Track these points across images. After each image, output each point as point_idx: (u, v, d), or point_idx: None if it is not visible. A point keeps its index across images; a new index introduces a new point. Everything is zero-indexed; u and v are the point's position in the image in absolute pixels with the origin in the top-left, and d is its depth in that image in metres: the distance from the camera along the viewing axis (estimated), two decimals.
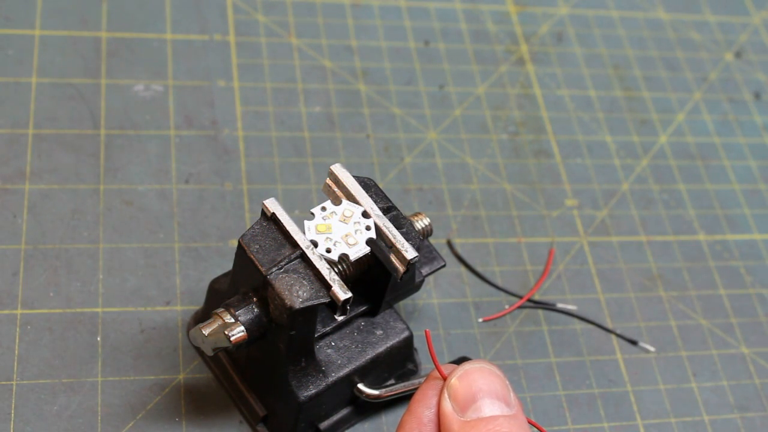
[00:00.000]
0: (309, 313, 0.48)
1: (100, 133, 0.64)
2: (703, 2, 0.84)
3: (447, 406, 0.43)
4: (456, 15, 0.77)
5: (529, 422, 0.45)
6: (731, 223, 0.70)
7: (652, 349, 0.63)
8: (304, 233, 0.49)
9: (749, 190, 0.72)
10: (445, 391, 0.44)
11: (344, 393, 0.54)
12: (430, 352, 0.45)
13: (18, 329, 0.56)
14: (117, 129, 0.65)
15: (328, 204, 0.50)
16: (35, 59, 0.66)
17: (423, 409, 0.44)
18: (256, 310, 0.49)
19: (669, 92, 0.77)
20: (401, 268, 0.50)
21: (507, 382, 0.44)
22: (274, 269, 0.48)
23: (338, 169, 0.51)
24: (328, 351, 0.53)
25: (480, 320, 0.62)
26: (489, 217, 0.66)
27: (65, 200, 0.61)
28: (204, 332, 0.49)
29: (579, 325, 0.63)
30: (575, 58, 0.77)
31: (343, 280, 0.50)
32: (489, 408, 0.43)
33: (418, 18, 0.76)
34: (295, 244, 0.48)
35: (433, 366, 0.45)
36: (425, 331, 0.46)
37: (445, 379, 0.44)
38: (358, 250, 0.48)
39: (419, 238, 0.52)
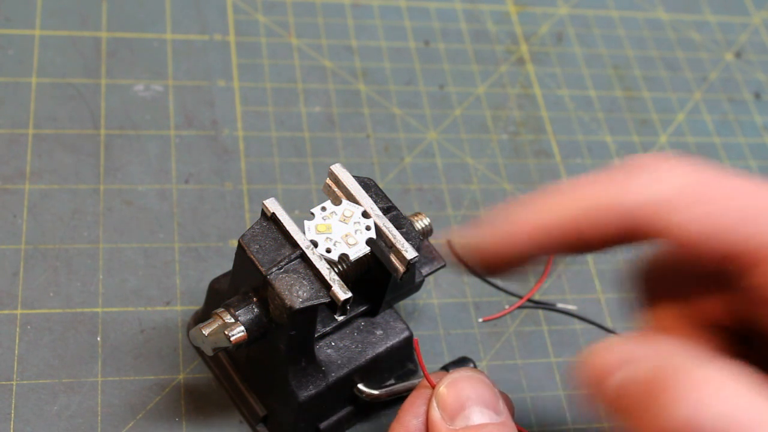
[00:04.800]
0: (309, 313, 0.48)
1: (100, 133, 0.64)
2: (703, 2, 0.84)
3: (435, 414, 0.43)
4: (456, 15, 0.77)
5: (519, 429, 0.45)
6: None
7: None
8: (304, 233, 0.49)
9: None
10: (434, 399, 0.44)
11: (344, 393, 0.54)
12: (419, 361, 0.45)
13: (18, 329, 0.56)
14: (117, 129, 0.65)
15: (328, 204, 0.50)
16: (35, 59, 0.66)
17: (410, 418, 0.44)
18: (256, 310, 0.49)
19: (669, 92, 0.77)
20: (401, 268, 0.50)
21: (496, 390, 0.44)
22: (274, 269, 0.48)
23: (338, 169, 0.51)
24: (328, 351, 0.53)
25: (480, 320, 0.62)
26: None
27: (65, 200, 0.61)
28: (204, 332, 0.49)
29: (579, 325, 0.63)
30: (575, 58, 0.77)
31: (343, 280, 0.50)
32: (478, 416, 0.43)
33: (418, 18, 0.76)
34: (295, 244, 0.48)
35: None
36: (414, 340, 0.46)
37: (433, 387, 0.44)
38: (358, 250, 0.48)
39: (419, 238, 0.52)
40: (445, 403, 0.43)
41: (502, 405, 0.43)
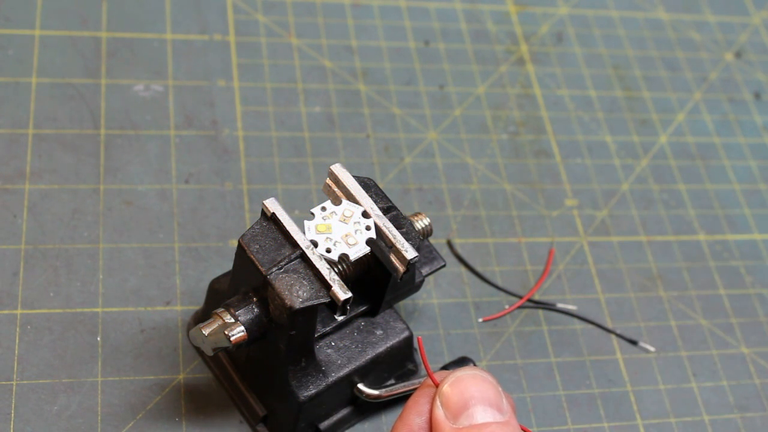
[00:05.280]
0: (309, 313, 0.48)
1: (100, 133, 0.64)
2: (703, 2, 0.84)
3: (439, 413, 0.43)
4: (456, 15, 0.77)
5: (523, 429, 0.44)
6: (731, 223, 0.70)
7: (652, 349, 0.63)
8: (304, 233, 0.49)
9: (749, 190, 0.72)
10: (437, 398, 0.44)
11: (344, 393, 0.54)
12: (423, 360, 0.45)
13: (18, 329, 0.56)
14: (117, 129, 0.65)
15: (328, 204, 0.50)
16: (35, 59, 0.66)
17: (414, 417, 0.44)
18: (256, 310, 0.49)
19: (669, 92, 0.77)
20: (401, 268, 0.50)
21: (499, 389, 0.44)
22: (274, 269, 0.48)
23: (338, 169, 0.51)
24: (328, 351, 0.53)
25: (480, 320, 0.62)
26: (489, 217, 0.66)
27: (65, 200, 0.61)
28: (204, 332, 0.49)
29: (579, 325, 0.63)
30: (575, 58, 0.77)
31: (343, 280, 0.50)
32: (481, 415, 0.43)
33: (418, 18, 0.76)
34: (295, 244, 0.48)
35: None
36: (418, 339, 0.46)
37: (437, 386, 0.44)
38: (358, 250, 0.48)
39: (419, 238, 0.52)
40: (449, 402, 0.43)
41: (506, 404, 0.43)
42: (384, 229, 0.50)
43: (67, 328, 0.56)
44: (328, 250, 0.48)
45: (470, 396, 0.43)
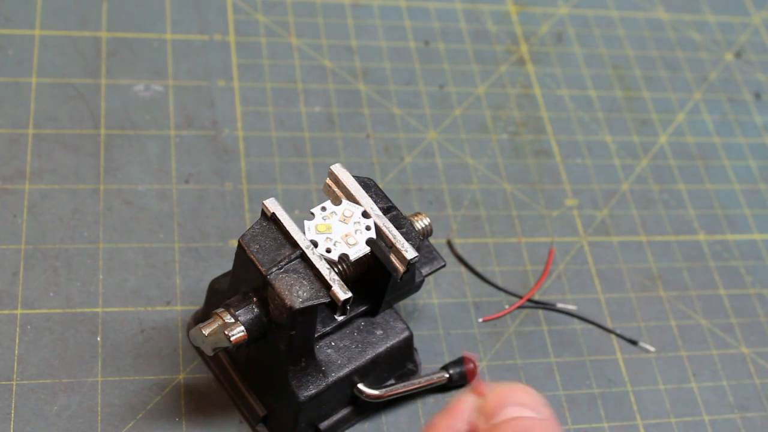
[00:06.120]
0: (309, 313, 0.48)
1: (100, 133, 0.64)
2: (703, 2, 0.84)
3: (476, 418, 0.43)
4: (456, 15, 0.77)
5: None
6: (731, 223, 0.70)
7: (652, 349, 0.63)
8: (304, 233, 0.49)
9: (749, 190, 0.72)
10: (477, 407, 0.43)
11: (344, 393, 0.54)
12: (473, 375, 0.44)
13: (18, 329, 0.56)
14: (117, 129, 0.65)
15: (328, 204, 0.50)
16: (35, 59, 0.66)
17: (455, 422, 0.44)
18: (256, 310, 0.49)
19: (669, 92, 0.77)
20: (401, 268, 0.50)
21: (541, 399, 0.43)
22: (274, 269, 0.48)
23: (338, 169, 0.51)
24: (328, 351, 0.53)
25: (480, 320, 0.62)
26: (489, 217, 0.66)
27: (65, 200, 0.61)
28: (204, 332, 0.49)
29: (579, 325, 0.63)
30: (575, 58, 0.77)
31: (343, 280, 0.50)
32: (517, 412, 0.42)
33: (418, 18, 0.76)
34: (295, 244, 0.48)
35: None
36: (465, 355, 0.44)
37: (481, 396, 0.44)
38: (358, 250, 0.48)
39: (419, 238, 0.52)
40: (485, 406, 0.43)
41: (546, 408, 0.43)
42: (384, 229, 0.50)
43: (67, 328, 0.56)
44: (328, 250, 0.48)
45: (506, 400, 0.43)
